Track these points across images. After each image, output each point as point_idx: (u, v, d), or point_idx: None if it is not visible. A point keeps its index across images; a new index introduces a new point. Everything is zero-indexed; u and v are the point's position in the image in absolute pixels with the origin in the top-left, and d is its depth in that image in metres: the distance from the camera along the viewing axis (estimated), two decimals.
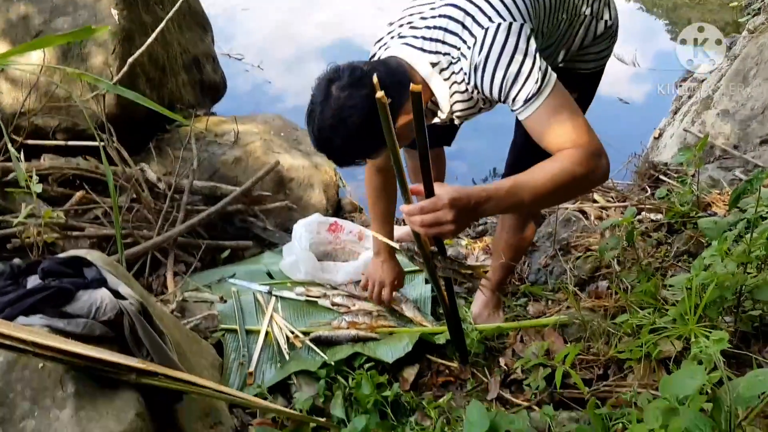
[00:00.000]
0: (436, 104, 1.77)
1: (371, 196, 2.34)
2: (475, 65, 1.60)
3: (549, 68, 1.58)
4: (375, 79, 1.23)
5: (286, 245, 2.76)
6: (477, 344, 2.20)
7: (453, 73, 1.68)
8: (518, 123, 2.12)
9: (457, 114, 1.79)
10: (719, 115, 3.61)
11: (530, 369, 2.04)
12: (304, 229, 2.72)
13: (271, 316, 2.37)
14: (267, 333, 2.29)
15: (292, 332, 2.29)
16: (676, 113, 4.32)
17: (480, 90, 1.64)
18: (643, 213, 2.96)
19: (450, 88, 1.71)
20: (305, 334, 2.29)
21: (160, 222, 2.75)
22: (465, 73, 1.65)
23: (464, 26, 1.63)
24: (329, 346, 2.25)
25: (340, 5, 7.40)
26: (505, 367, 2.14)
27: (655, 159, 3.69)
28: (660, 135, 4.33)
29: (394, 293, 2.42)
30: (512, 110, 1.63)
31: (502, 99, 1.61)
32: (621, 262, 2.47)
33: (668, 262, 2.47)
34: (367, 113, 1.52)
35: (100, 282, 1.48)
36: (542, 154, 1.55)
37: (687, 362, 1.35)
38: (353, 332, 2.29)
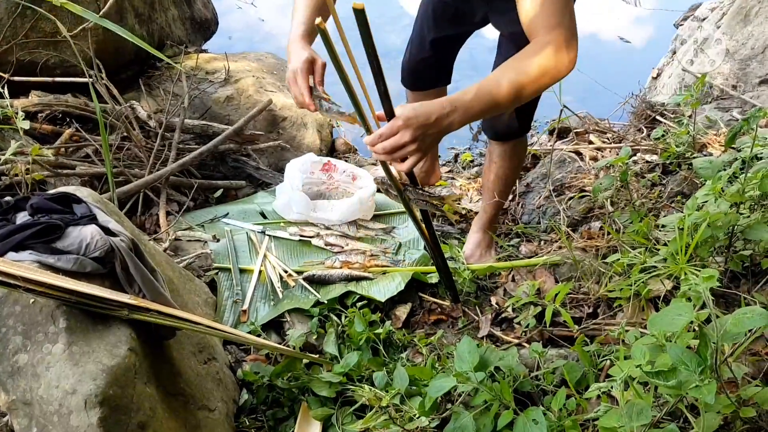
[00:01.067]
0: None
1: None
2: None
3: None
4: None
5: (280, 185, 2.74)
6: (469, 283, 2.22)
7: None
8: (499, 48, 2.09)
9: None
10: (719, 54, 3.55)
11: (521, 307, 2.07)
12: (297, 169, 2.70)
13: (265, 256, 2.37)
14: (260, 272, 2.30)
15: (286, 271, 2.30)
16: (675, 53, 4.25)
17: None
18: (639, 154, 2.94)
19: None
20: (298, 273, 2.30)
21: (152, 161, 2.71)
22: None
23: None
24: (322, 285, 2.26)
25: None
26: (496, 306, 2.17)
27: (653, 99, 3.65)
28: (658, 75, 4.27)
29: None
30: None
31: None
32: (614, 202, 2.47)
33: (662, 203, 2.47)
34: None
35: (90, 218, 1.47)
36: None
37: (676, 299, 1.36)
38: (346, 271, 2.30)
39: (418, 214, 1.79)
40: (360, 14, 1.18)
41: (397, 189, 1.63)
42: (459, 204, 2.90)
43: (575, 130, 3.35)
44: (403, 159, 1.43)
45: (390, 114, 1.40)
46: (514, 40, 2.03)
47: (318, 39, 1.34)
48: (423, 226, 1.83)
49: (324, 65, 1.66)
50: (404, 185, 1.64)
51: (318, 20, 1.19)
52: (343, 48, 1.34)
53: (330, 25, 1.30)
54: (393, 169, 1.58)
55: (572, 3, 1.54)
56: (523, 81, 1.45)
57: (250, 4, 5.72)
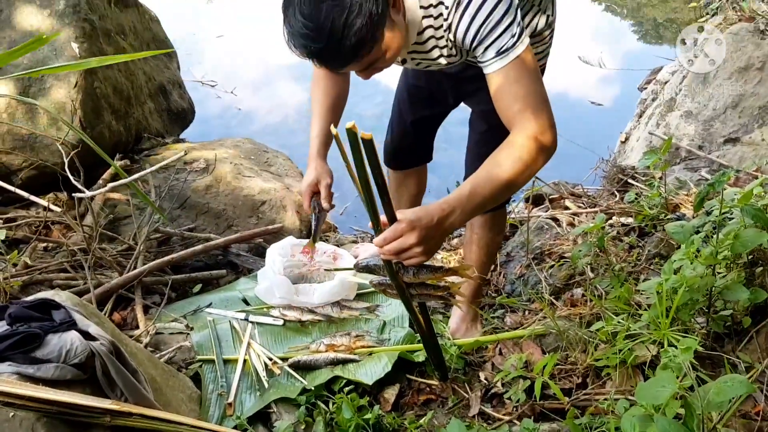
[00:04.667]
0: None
1: (319, 88, 2.05)
2: (458, 0, 1.53)
3: (524, 29, 1.55)
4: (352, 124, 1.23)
5: (261, 270, 2.74)
6: (456, 359, 2.20)
7: (431, 5, 1.59)
8: (471, 125, 2.15)
9: (413, 56, 1.74)
10: (683, 116, 3.67)
11: (510, 381, 2.05)
12: (277, 253, 2.70)
13: (249, 344, 2.35)
14: (245, 361, 2.27)
15: (270, 359, 2.27)
16: (641, 116, 4.38)
17: (454, 30, 1.56)
18: (614, 218, 2.99)
19: (423, 20, 1.61)
20: (283, 359, 2.27)
21: (133, 260, 2.72)
22: (445, 7, 1.56)
23: None
24: (308, 371, 2.23)
25: None
26: (485, 381, 2.15)
27: (623, 163, 3.74)
28: (627, 139, 4.38)
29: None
30: (480, 62, 1.58)
31: (474, 44, 1.54)
32: (594, 268, 2.49)
33: (641, 266, 2.50)
34: None
35: (70, 324, 1.46)
36: None
37: (659, 369, 1.36)
38: (332, 355, 2.27)
39: (416, 306, 1.78)
40: (368, 144, 1.25)
41: (398, 288, 1.62)
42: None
43: (550, 197, 3.41)
44: (410, 261, 1.47)
45: (391, 217, 1.43)
46: (484, 117, 2.10)
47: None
48: (421, 318, 1.83)
49: (328, 185, 2.01)
50: (406, 284, 1.63)
51: (333, 130, 1.27)
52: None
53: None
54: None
55: (544, 87, 1.59)
56: (515, 170, 1.49)
57: (231, 92, 5.79)
